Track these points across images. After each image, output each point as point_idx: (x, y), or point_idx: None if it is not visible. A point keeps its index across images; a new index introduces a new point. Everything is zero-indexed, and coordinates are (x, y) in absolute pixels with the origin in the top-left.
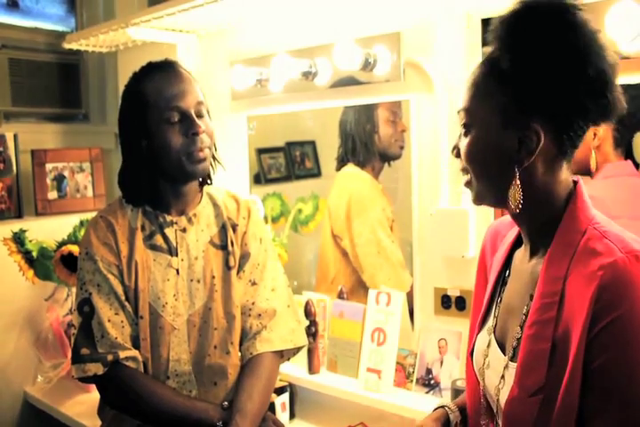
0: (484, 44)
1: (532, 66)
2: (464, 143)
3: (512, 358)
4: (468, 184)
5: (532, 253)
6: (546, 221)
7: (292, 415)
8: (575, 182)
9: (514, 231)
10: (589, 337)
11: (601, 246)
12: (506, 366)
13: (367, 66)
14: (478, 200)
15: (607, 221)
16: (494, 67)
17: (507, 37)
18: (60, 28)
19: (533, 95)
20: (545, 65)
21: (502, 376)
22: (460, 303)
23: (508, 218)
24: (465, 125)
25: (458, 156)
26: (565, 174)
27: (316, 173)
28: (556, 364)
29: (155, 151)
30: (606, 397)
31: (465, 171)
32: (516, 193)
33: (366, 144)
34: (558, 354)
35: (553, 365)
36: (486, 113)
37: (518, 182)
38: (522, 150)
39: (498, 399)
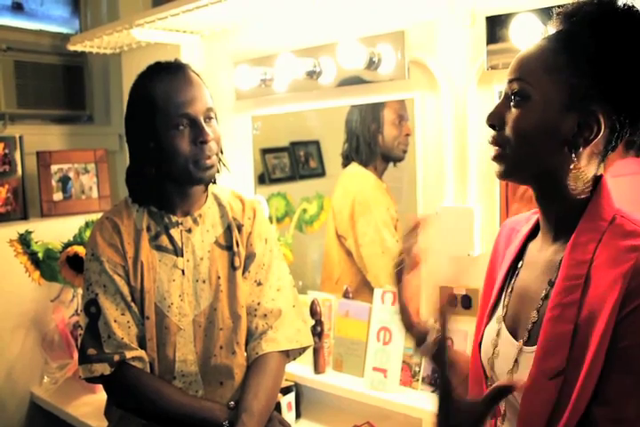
0: (489, 41)
1: (618, 56)
2: (514, 115)
3: (526, 343)
4: (497, 158)
5: (553, 241)
6: (572, 208)
7: (298, 415)
8: (600, 176)
9: (528, 225)
10: (618, 318)
11: (632, 231)
12: (520, 351)
13: (371, 65)
14: (506, 175)
15: (632, 212)
16: (572, 44)
17: (597, 18)
18: (64, 29)
19: (610, 85)
20: (633, 58)
21: (516, 361)
22: (466, 302)
23: (522, 215)
24: (518, 95)
25: (493, 126)
26: (595, 171)
27: (320, 172)
28: (577, 346)
29: (162, 154)
30: (625, 380)
31: (497, 143)
32: (579, 177)
33: (370, 144)
34: (580, 336)
35: (574, 347)
36: (550, 89)
37: (579, 166)
38: (579, 135)
39: None
